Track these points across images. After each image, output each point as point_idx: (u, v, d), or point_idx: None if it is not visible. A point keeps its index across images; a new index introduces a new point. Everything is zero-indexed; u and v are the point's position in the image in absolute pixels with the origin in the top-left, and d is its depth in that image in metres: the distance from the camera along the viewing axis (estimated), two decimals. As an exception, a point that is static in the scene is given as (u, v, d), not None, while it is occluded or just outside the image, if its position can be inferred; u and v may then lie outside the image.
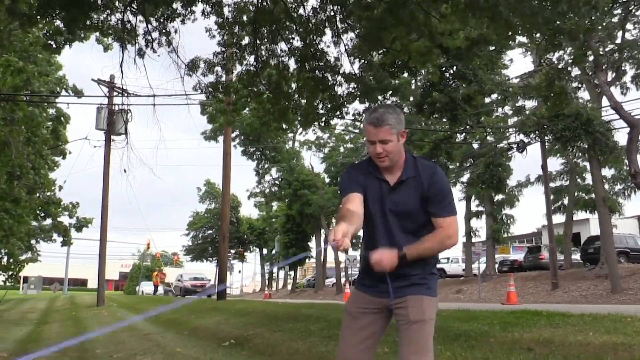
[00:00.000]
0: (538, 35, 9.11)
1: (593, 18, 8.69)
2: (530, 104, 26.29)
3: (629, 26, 19.63)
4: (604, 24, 14.91)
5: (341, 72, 10.99)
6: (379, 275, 2.88)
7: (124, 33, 10.13)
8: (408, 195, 2.89)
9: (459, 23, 9.36)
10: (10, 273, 26.30)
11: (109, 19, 10.04)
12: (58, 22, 9.87)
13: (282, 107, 11.05)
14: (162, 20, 10.34)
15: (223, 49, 11.16)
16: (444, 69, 22.84)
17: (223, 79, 11.61)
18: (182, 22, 10.27)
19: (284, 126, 13.01)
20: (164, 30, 10.43)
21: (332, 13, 10.28)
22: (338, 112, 11.39)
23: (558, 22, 7.87)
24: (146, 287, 49.97)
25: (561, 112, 19.56)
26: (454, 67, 21.80)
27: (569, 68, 16.42)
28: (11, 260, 25.46)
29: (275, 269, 60.56)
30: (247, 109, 12.58)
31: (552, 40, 8.66)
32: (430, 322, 2.84)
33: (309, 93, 10.94)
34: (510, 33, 8.90)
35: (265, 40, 10.81)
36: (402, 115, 2.93)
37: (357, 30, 10.51)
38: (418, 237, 2.88)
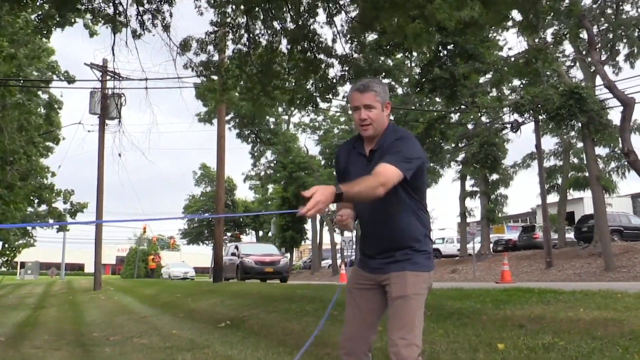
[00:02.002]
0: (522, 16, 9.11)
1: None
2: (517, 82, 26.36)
3: (627, 7, 19.61)
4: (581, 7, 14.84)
5: (333, 53, 10.96)
6: (368, 251, 2.97)
7: (115, 15, 10.07)
8: (376, 164, 2.82)
9: (454, 7, 9.31)
10: (5, 259, 26.32)
11: (99, 1, 9.97)
12: (48, 6, 9.81)
13: (268, 86, 11.02)
14: (153, 2, 10.27)
15: (215, 29, 11.10)
16: (439, 47, 22.71)
17: (215, 58, 11.55)
18: (170, 3, 10.21)
19: (269, 104, 12.95)
20: (156, 12, 10.36)
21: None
22: (329, 94, 11.37)
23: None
24: (175, 269, 44.44)
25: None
26: (451, 45, 21.66)
27: (549, 49, 16.40)
28: (6, 246, 25.48)
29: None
30: (237, 88, 12.51)
31: (535, 19, 8.67)
32: (415, 297, 2.80)
33: (299, 74, 10.91)
34: (503, 15, 8.91)
35: (258, 20, 10.75)
36: (386, 87, 3.00)
37: (352, 9, 10.47)
38: (403, 212, 2.87)
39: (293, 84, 11.32)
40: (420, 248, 2.92)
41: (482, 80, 25.01)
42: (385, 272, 2.89)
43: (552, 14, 8.56)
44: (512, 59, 20.79)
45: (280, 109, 37.70)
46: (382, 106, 2.90)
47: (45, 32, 10.73)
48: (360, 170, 2.90)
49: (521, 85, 23.57)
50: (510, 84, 26.68)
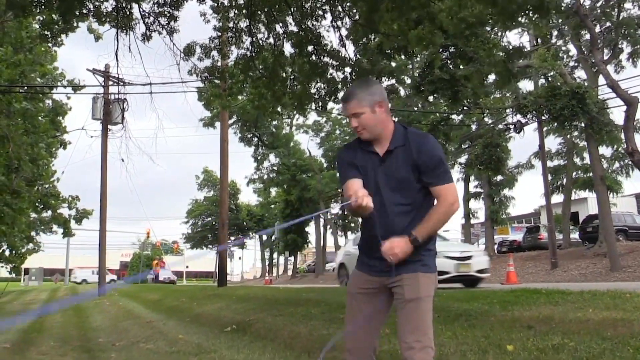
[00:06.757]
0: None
1: None
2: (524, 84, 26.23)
3: (628, 5, 19.58)
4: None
5: (337, 56, 10.93)
6: (375, 252, 2.85)
7: (118, 19, 10.06)
8: (397, 165, 2.84)
9: (457, 6, 9.26)
10: (13, 265, 26.29)
11: (104, 5, 9.97)
12: (53, 12, 9.80)
13: (277, 92, 11.00)
14: (158, 5, 10.27)
15: (219, 34, 11.10)
16: (440, 50, 22.63)
17: (219, 63, 11.54)
18: (177, 8, 10.22)
19: (280, 110, 12.94)
20: (160, 16, 10.36)
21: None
22: (334, 97, 11.33)
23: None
24: None
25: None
26: (452, 47, 21.59)
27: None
28: (13, 252, 25.44)
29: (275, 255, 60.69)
30: (243, 93, 12.50)
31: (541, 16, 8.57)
32: (426, 299, 2.80)
33: (304, 77, 10.88)
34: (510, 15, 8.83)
35: (261, 24, 10.75)
36: (374, 87, 2.92)
37: (355, 12, 10.45)
38: (412, 212, 2.83)
39: (298, 87, 11.28)
40: (431, 248, 2.91)
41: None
42: (396, 273, 2.82)
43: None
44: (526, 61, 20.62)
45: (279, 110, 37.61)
46: (371, 109, 2.84)
47: (50, 38, 10.72)
48: (369, 169, 2.89)
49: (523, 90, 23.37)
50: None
